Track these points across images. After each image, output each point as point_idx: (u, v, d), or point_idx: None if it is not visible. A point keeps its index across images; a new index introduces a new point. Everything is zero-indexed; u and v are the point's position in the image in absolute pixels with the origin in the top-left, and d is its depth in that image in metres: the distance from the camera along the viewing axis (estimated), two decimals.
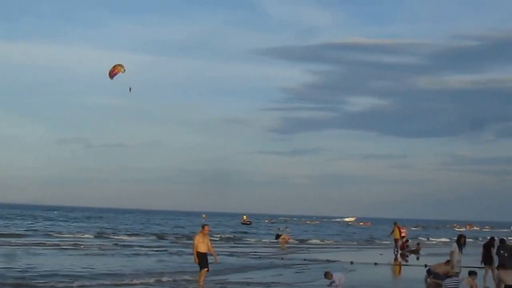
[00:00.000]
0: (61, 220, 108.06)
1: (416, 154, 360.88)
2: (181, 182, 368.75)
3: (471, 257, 31.26)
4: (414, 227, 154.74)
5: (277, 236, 63.38)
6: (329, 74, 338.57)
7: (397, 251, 47.11)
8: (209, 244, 23.21)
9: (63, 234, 64.91)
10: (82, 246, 47.56)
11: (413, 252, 51.08)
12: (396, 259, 43.58)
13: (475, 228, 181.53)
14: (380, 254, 46.21)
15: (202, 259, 22.72)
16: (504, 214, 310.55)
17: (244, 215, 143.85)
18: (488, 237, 27.93)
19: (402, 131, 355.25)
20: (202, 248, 22.71)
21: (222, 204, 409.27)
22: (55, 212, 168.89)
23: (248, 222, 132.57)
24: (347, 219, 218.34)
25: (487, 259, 25.64)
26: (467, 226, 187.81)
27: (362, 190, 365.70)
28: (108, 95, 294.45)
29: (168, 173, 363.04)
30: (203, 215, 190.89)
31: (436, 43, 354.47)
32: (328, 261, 39.47)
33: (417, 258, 45.55)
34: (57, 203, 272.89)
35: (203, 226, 23.49)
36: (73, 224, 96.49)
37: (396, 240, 48.02)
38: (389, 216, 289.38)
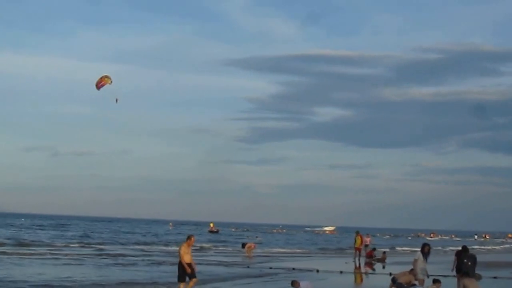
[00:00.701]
0: (31, 228, 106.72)
1: (380, 164, 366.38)
2: (148, 191, 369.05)
3: (437, 265, 31.75)
4: (387, 236, 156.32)
5: (243, 245, 63.47)
6: (295, 85, 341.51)
7: (358, 259, 47.31)
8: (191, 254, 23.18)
9: (41, 243, 63.98)
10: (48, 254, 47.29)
11: (379, 260, 51.48)
12: (357, 267, 43.77)
13: (442, 237, 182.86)
14: (346, 263, 46.45)
15: (185, 270, 22.67)
16: (468, 223, 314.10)
17: (211, 223, 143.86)
18: (461, 247, 28.19)
19: (367, 142, 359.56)
20: (187, 259, 22.68)
21: (189, 212, 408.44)
22: (22, 220, 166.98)
23: (215, 230, 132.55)
24: (326, 228, 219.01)
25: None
26: (431, 234, 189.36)
27: (328, 200, 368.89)
28: (75, 103, 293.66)
29: (136, 182, 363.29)
30: (170, 224, 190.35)
31: (400, 56, 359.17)
32: (294, 269, 39.60)
33: (383, 267, 45.93)
34: (23, 210, 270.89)
35: (189, 237, 23.34)
36: (45, 232, 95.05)
37: (356, 249, 48.20)
38: (354, 224, 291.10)
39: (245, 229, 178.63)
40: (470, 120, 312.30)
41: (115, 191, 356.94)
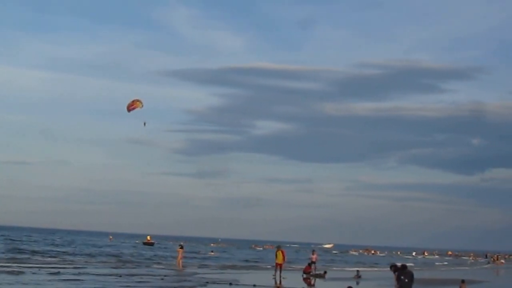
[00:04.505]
0: None
1: (320, 179, 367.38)
2: (86, 202, 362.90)
3: (376, 281, 31.39)
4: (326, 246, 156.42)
5: (181, 246, 61.07)
6: (235, 98, 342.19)
7: (279, 275, 45.15)
8: None
9: None
10: None
11: (318, 276, 50.95)
12: (277, 283, 41.86)
13: (380, 253, 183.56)
14: (283, 278, 45.72)
15: None
16: (405, 240, 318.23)
17: (148, 235, 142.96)
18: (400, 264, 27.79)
19: (307, 156, 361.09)
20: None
21: (128, 224, 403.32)
22: None
23: (151, 243, 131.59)
24: (326, 245, 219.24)
25: None
26: (371, 251, 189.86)
27: (267, 214, 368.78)
28: (12, 111, 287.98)
29: (73, 192, 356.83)
30: (110, 236, 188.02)
31: (341, 71, 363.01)
32: (231, 284, 38.87)
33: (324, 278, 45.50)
34: None
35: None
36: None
37: (277, 265, 45.49)
38: (293, 239, 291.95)
39: (186, 242, 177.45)
40: (410, 136, 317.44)
41: (52, 202, 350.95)
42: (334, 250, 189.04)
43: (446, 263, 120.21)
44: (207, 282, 40.46)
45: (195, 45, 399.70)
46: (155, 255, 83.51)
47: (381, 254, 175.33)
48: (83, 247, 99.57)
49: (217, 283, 39.93)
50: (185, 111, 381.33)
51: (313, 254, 56.78)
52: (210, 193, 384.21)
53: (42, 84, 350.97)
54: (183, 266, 56.05)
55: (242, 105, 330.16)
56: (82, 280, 37.79)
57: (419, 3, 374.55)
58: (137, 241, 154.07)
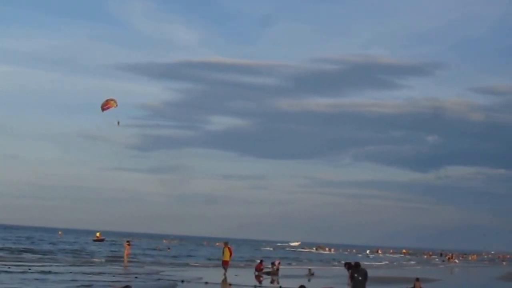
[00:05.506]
0: None
1: (275, 175, 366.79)
2: (36, 197, 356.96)
3: (330, 279, 31.06)
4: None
5: (128, 242, 60.02)
6: (190, 93, 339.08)
7: (225, 273, 43.68)
8: None
9: None
10: None
11: (269, 273, 50.53)
12: (227, 282, 40.40)
13: (335, 251, 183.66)
14: (236, 275, 45.17)
15: None
16: (359, 238, 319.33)
17: (97, 232, 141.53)
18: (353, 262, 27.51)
19: (262, 152, 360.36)
20: None
21: (79, 220, 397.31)
22: None
23: (100, 239, 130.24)
24: (292, 244, 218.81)
25: None
26: (324, 248, 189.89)
27: (221, 210, 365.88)
28: None
29: (23, 187, 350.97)
30: (59, 232, 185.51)
31: (297, 65, 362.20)
32: (183, 281, 38.13)
33: (274, 281, 45.07)
34: None
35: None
36: None
37: (224, 262, 44.86)
38: (247, 236, 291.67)
39: (140, 239, 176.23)
40: (366, 133, 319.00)
41: (1, 196, 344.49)
42: (292, 248, 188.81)
43: (413, 262, 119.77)
44: (160, 279, 39.79)
45: (150, 39, 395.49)
46: (111, 251, 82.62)
47: (335, 252, 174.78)
48: (41, 244, 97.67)
49: (170, 279, 39.28)
50: (139, 106, 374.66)
51: (274, 265, 54.07)
52: (164, 189, 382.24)
53: None
54: (128, 262, 55.32)
55: (197, 100, 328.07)
56: (48, 279, 36.48)
57: None
58: (89, 238, 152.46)
